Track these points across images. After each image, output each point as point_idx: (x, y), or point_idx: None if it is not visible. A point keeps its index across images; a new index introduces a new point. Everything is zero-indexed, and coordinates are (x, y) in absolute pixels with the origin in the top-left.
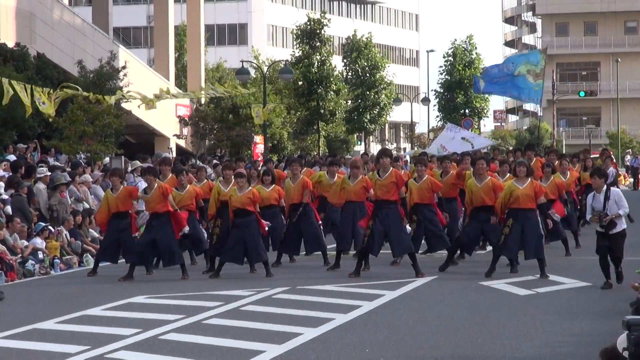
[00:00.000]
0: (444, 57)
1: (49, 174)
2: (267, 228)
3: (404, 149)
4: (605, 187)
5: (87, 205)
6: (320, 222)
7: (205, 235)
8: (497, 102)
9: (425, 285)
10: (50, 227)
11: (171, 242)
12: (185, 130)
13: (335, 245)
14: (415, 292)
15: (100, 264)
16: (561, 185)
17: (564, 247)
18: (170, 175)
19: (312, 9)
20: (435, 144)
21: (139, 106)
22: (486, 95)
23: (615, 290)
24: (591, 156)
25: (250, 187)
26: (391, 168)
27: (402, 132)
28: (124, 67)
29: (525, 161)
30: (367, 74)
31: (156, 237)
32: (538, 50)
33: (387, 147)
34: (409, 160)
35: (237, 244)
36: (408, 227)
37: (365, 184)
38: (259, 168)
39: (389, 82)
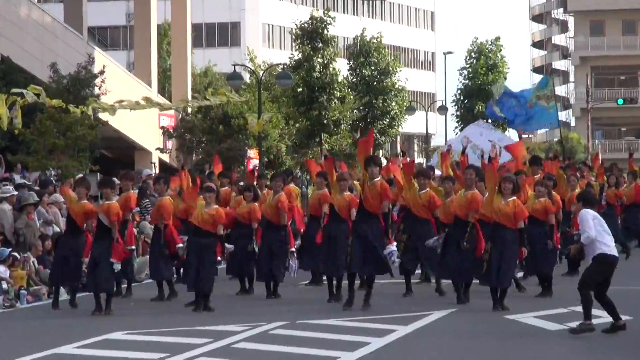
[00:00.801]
0: (465, 59)
1: (15, 193)
2: (228, 252)
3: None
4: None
5: (57, 229)
6: (294, 249)
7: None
8: None
9: (443, 319)
10: (15, 254)
11: (106, 266)
12: (170, 144)
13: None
14: (432, 326)
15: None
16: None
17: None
18: (131, 191)
19: (313, 6)
20: (458, 137)
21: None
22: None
23: None
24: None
25: (216, 205)
26: (379, 177)
27: (416, 145)
28: (101, 72)
29: (512, 176)
30: (376, 79)
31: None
32: (546, 77)
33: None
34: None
35: (191, 269)
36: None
37: (349, 202)
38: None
39: (400, 88)
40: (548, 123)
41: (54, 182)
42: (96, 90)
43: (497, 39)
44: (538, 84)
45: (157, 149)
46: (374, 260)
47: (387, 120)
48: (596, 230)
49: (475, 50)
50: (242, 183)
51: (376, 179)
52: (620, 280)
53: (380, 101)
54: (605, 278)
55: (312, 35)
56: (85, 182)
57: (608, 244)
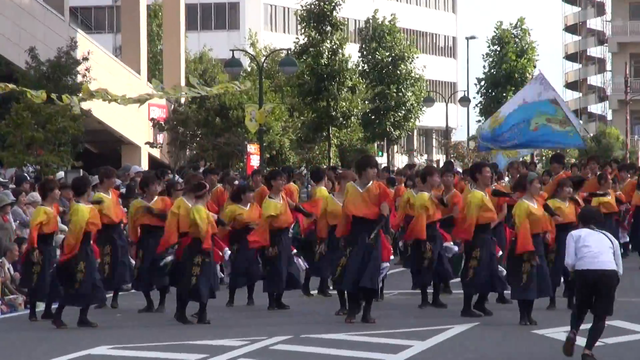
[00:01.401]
0: (488, 45)
1: None
2: (226, 256)
3: (437, 162)
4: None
5: None
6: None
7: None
8: None
9: (465, 334)
10: None
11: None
12: (161, 138)
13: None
14: (452, 342)
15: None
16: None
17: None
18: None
19: None
20: (513, 100)
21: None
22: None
23: None
24: None
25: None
26: (372, 181)
27: (434, 140)
28: (85, 59)
29: (535, 174)
30: (390, 67)
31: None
32: (546, 101)
33: (415, 158)
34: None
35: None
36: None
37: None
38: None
39: (417, 76)
40: (572, 143)
41: (29, 178)
42: (79, 78)
43: (522, 20)
44: (541, 106)
45: (147, 143)
46: (368, 274)
47: (403, 112)
48: (576, 248)
49: (497, 37)
50: (236, 182)
51: (370, 183)
52: None
53: (395, 91)
54: (589, 296)
55: (319, 18)
56: (52, 182)
57: (581, 259)
